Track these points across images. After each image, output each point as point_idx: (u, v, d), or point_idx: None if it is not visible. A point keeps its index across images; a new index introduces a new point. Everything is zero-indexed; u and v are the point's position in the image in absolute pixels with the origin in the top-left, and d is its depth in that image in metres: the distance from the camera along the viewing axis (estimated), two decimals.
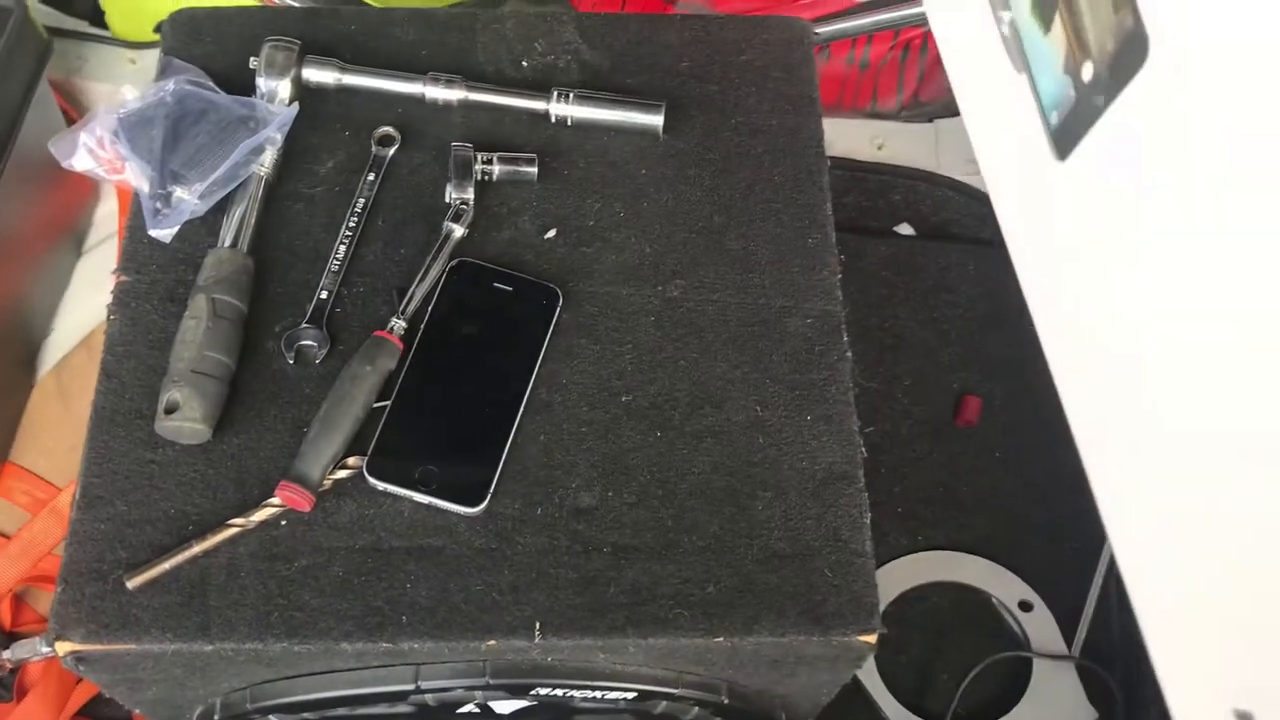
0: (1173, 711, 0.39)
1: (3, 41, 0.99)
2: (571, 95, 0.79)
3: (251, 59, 0.77)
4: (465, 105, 0.79)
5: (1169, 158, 0.37)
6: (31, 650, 1.00)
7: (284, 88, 0.76)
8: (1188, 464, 0.35)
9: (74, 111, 1.19)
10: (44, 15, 1.22)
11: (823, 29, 1.17)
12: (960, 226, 1.23)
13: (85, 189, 1.19)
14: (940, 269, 1.21)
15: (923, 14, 1.16)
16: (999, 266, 1.20)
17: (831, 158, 0.82)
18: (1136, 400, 0.38)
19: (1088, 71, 0.41)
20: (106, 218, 1.21)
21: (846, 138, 1.26)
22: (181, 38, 0.81)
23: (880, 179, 1.24)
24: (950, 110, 1.28)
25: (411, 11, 0.83)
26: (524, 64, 0.82)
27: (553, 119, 0.79)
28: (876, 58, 1.25)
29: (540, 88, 0.79)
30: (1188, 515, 0.35)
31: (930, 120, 1.25)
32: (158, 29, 0.81)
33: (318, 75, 0.78)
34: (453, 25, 0.84)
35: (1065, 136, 0.43)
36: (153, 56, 1.21)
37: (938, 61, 1.28)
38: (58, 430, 1.12)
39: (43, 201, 1.11)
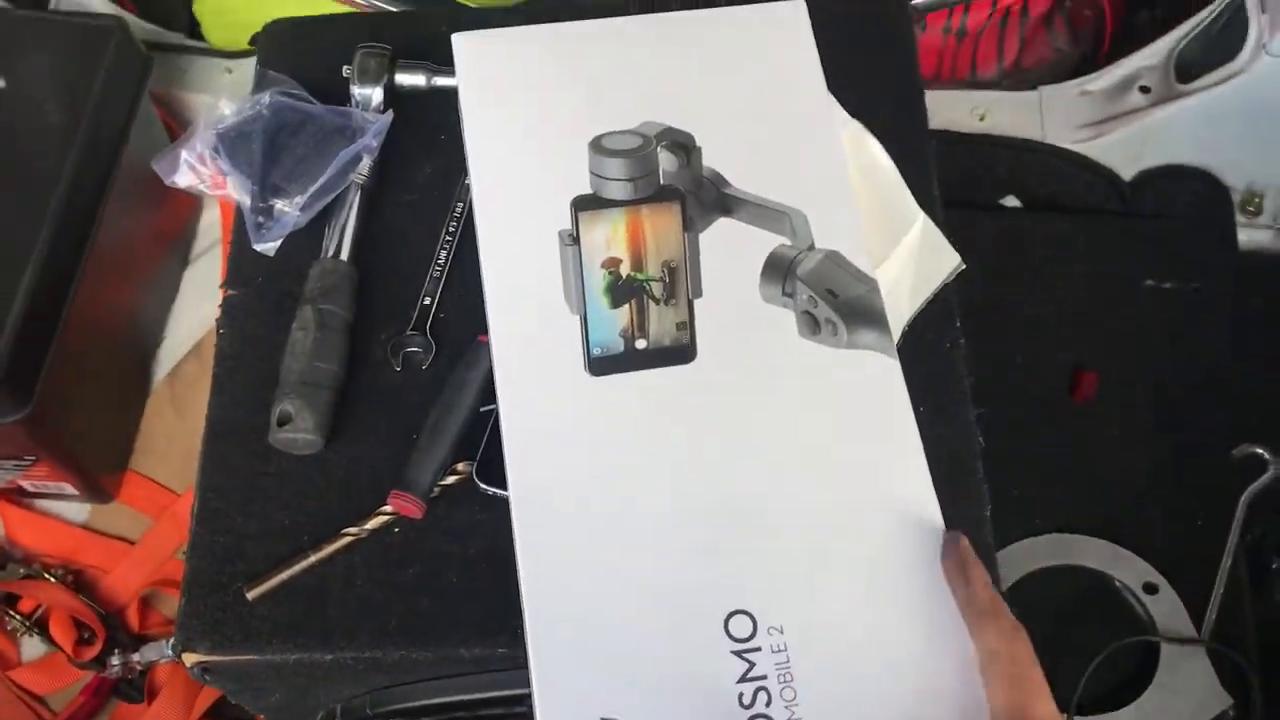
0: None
1: (105, 61, 1.02)
2: None
3: (344, 67, 0.77)
4: None
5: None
6: (159, 653, 1.03)
7: (378, 94, 0.76)
8: None
9: (175, 123, 1.21)
10: (143, 31, 1.24)
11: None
12: (1070, 197, 1.19)
13: (189, 199, 1.22)
14: (1050, 242, 1.17)
15: None
16: (1110, 238, 1.16)
17: (932, 130, 0.79)
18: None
19: (641, 344, 0.63)
20: (210, 226, 1.24)
21: (946, 109, 1.22)
22: (275, 49, 0.82)
23: (984, 150, 1.20)
24: (1054, 76, 1.23)
25: (506, 11, 0.83)
26: None
27: None
28: (974, 26, 1.21)
29: None
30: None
31: (1034, 87, 1.21)
32: (252, 41, 0.82)
33: (410, 79, 0.78)
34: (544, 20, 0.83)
35: (600, 366, 0.63)
36: (249, 65, 1.24)
37: (1039, 26, 1.24)
38: (173, 437, 1.15)
39: (150, 213, 1.14)
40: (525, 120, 0.69)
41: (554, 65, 0.69)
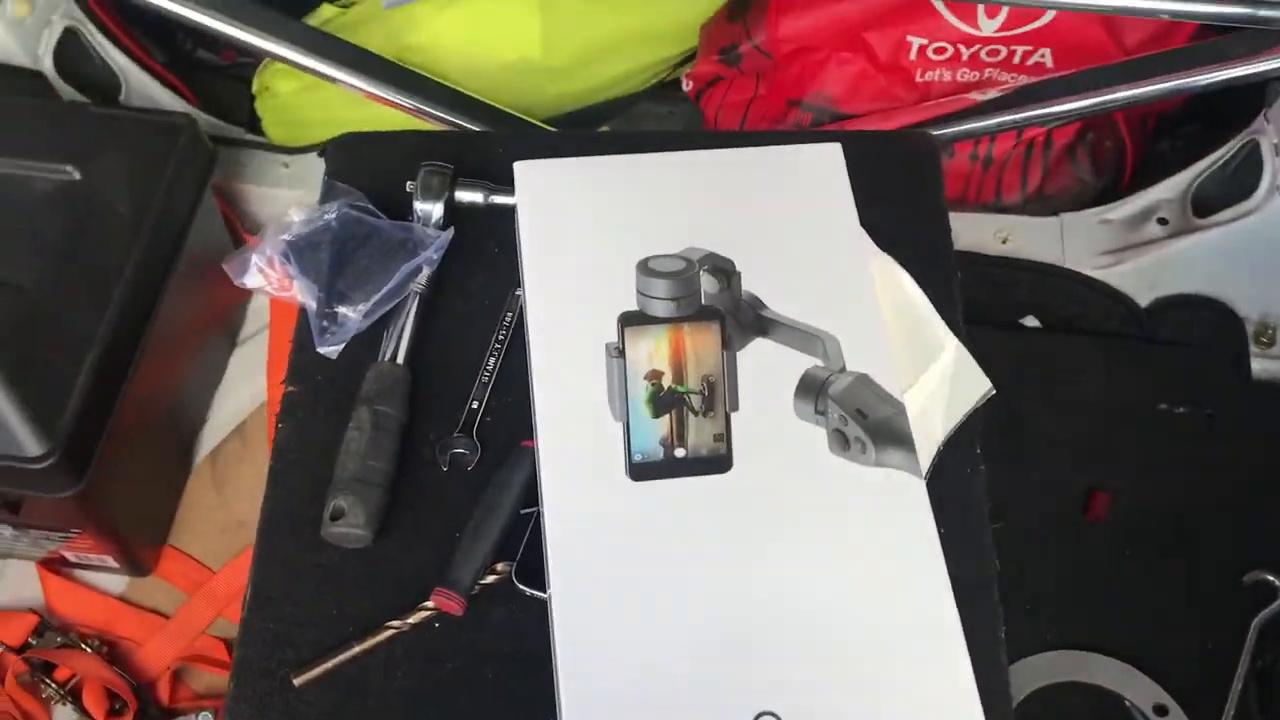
0: None
1: (175, 155, 1.07)
2: None
3: (409, 182, 0.82)
4: None
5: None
6: None
7: (438, 210, 0.81)
8: None
9: (231, 212, 1.27)
10: (206, 125, 1.31)
11: (945, 130, 1.19)
12: (1087, 321, 1.23)
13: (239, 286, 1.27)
14: (1068, 363, 1.21)
15: (1046, 114, 1.18)
16: (1126, 361, 1.20)
17: (956, 251, 0.84)
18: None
19: (680, 452, 0.68)
20: (258, 311, 1.29)
21: (970, 230, 1.27)
22: (344, 159, 0.87)
23: (1006, 272, 1.25)
24: (1076, 203, 1.28)
25: (562, 135, 0.88)
26: None
27: None
28: (1000, 154, 1.27)
29: None
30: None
31: (1055, 213, 1.26)
32: (321, 152, 0.87)
33: (469, 196, 0.83)
34: (603, 147, 0.88)
35: (641, 472, 0.67)
36: (305, 161, 1.30)
37: (1062, 157, 1.29)
38: (211, 515, 1.18)
39: (203, 300, 1.19)
40: (578, 241, 0.74)
41: (607, 194, 0.75)
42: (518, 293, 0.81)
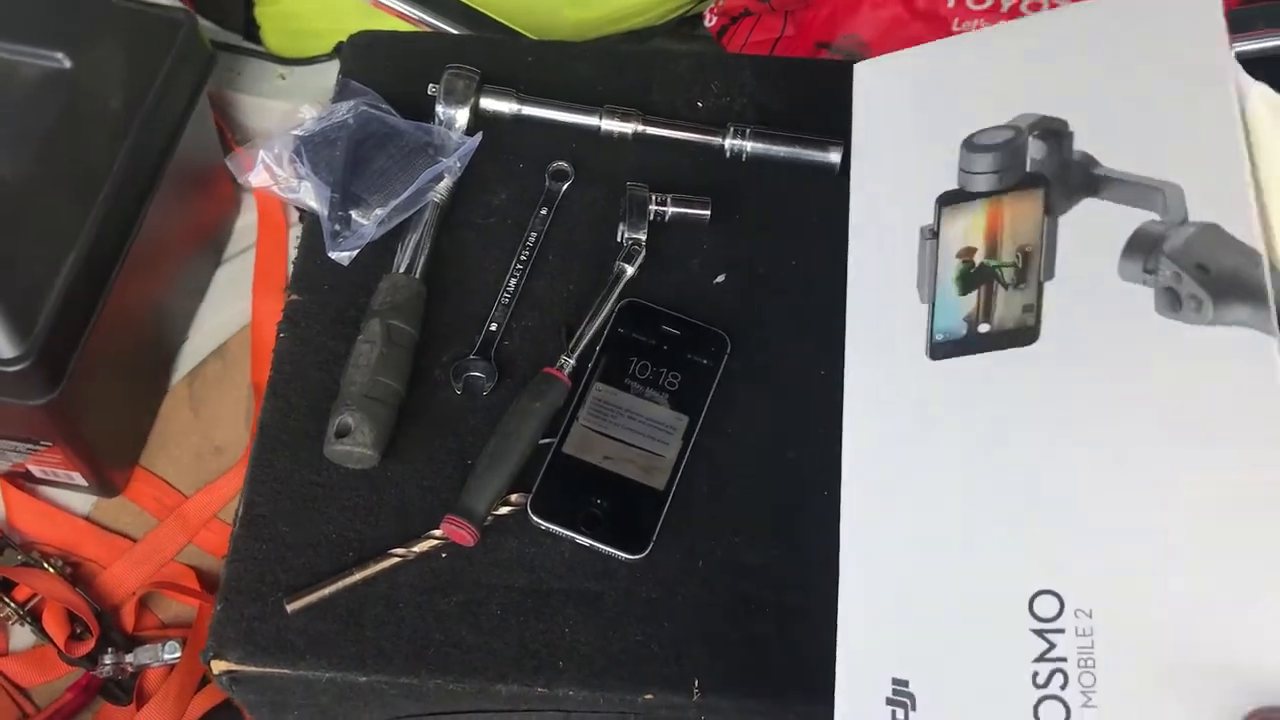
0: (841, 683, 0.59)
1: (171, 54, 1.01)
2: (748, 130, 0.78)
3: (431, 85, 0.77)
4: (640, 142, 0.78)
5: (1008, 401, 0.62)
6: (153, 656, 1.01)
7: (462, 116, 0.76)
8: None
9: (224, 122, 1.20)
10: (202, 28, 1.24)
11: None
12: None
13: (228, 200, 1.21)
14: None
15: None
16: None
17: None
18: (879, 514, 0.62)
19: (984, 328, 0.63)
20: (245, 229, 1.23)
21: None
22: (361, 60, 0.81)
23: None
24: None
25: (588, 45, 0.83)
26: (699, 104, 0.81)
27: (728, 154, 0.78)
28: None
29: (715, 126, 0.79)
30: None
31: None
32: (336, 49, 0.82)
33: (495, 105, 0.77)
34: (629, 62, 0.83)
35: (942, 350, 0.64)
36: (303, 73, 1.24)
37: None
38: (187, 438, 1.13)
39: (190, 211, 1.13)
40: (912, 133, 0.71)
41: (939, 78, 0.72)
42: (543, 212, 0.76)
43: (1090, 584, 0.56)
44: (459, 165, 0.73)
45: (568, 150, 0.78)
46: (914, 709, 0.56)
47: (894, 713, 0.57)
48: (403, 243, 0.73)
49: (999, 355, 0.62)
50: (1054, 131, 0.66)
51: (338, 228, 0.71)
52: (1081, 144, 0.65)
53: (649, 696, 0.64)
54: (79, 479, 1.05)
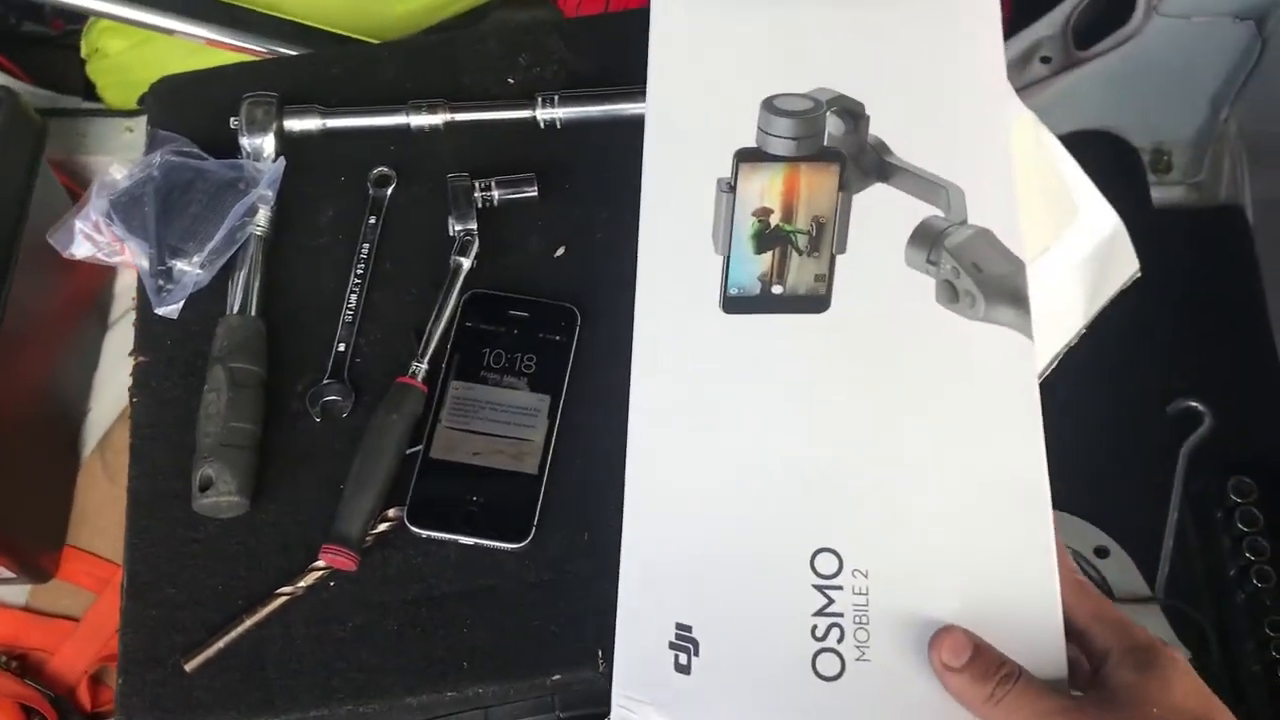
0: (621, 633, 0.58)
1: None
2: (555, 97, 0.77)
3: (232, 119, 0.76)
4: (455, 131, 0.77)
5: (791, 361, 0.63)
6: None
7: (269, 143, 0.75)
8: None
9: (79, 188, 1.19)
10: (37, 98, 1.22)
11: None
12: None
13: (100, 265, 1.19)
14: None
15: None
16: None
17: None
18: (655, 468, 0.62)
19: (777, 289, 0.65)
20: (127, 289, 1.21)
21: None
22: (165, 107, 0.80)
23: None
24: None
25: (392, 45, 0.82)
26: (510, 80, 0.80)
27: (542, 126, 0.77)
28: None
29: (527, 99, 0.78)
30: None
31: None
32: (141, 101, 0.80)
33: (300, 124, 0.76)
34: (434, 53, 0.82)
35: (735, 305, 0.64)
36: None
37: None
38: (110, 508, 1.12)
39: (61, 281, 1.11)
40: (705, 75, 0.70)
41: (739, 28, 0.71)
42: (371, 221, 0.76)
43: (865, 546, 0.59)
44: (270, 194, 0.72)
45: (385, 154, 0.77)
46: (696, 654, 0.57)
47: (676, 657, 0.57)
48: (232, 282, 0.72)
49: (791, 318, 0.64)
50: (851, 112, 0.67)
51: (161, 282, 0.70)
52: (878, 129, 0.67)
53: (557, 677, 0.64)
54: (6, 571, 1.05)
